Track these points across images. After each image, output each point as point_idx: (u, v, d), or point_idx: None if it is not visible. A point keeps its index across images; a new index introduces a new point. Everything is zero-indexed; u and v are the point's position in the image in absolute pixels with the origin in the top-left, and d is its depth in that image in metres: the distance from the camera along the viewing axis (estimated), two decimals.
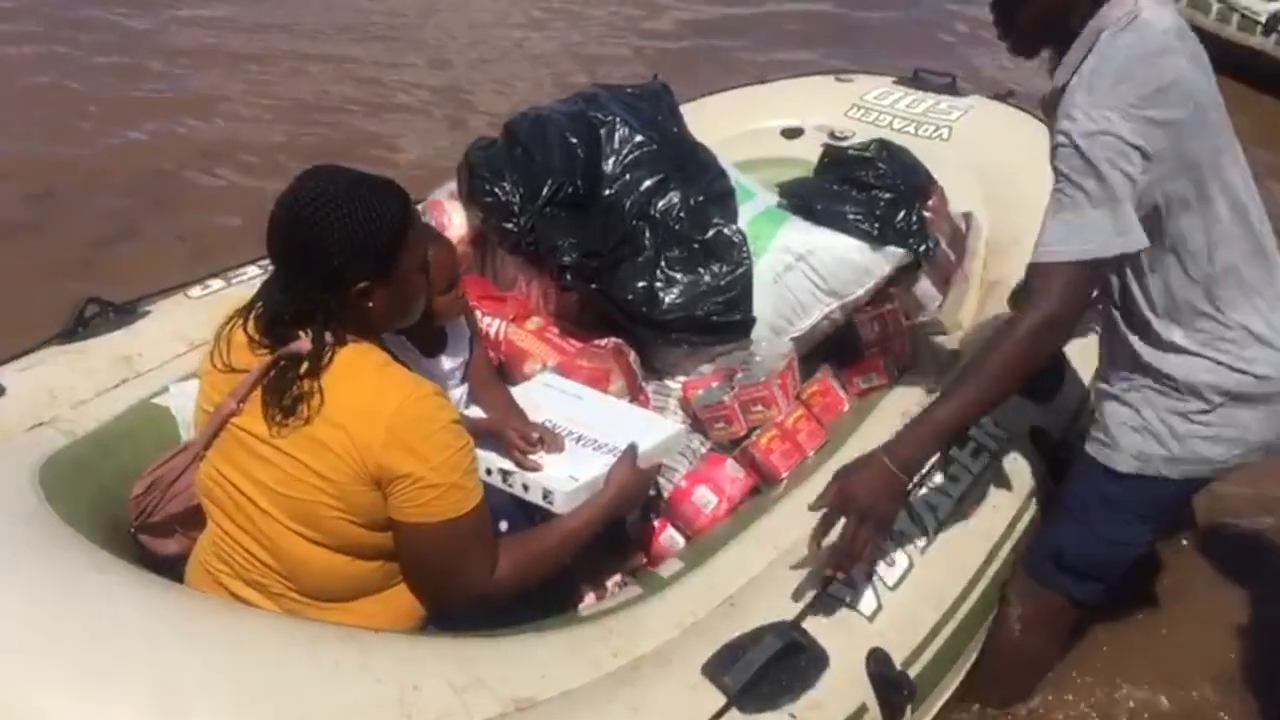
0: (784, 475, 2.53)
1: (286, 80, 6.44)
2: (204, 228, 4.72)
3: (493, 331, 2.75)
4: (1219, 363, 2.12)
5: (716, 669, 1.89)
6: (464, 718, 1.72)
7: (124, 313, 2.63)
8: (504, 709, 1.76)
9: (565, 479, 2.16)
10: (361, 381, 1.85)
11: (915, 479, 2.08)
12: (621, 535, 2.44)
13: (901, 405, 2.61)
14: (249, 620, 1.81)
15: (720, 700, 1.84)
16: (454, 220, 2.93)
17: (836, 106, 3.80)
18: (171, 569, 2.04)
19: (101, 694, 1.58)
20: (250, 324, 1.91)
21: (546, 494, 2.15)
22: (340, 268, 1.82)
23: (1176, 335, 2.12)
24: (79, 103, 5.94)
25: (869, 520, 1.99)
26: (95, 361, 2.47)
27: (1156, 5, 2.02)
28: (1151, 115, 1.92)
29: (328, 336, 1.85)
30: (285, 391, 1.83)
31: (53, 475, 2.07)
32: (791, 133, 3.68)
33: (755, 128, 3.71)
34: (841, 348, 2.88)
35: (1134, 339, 2.17)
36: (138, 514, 2.11)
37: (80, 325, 2.56)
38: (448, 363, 2.35)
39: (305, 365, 1.83)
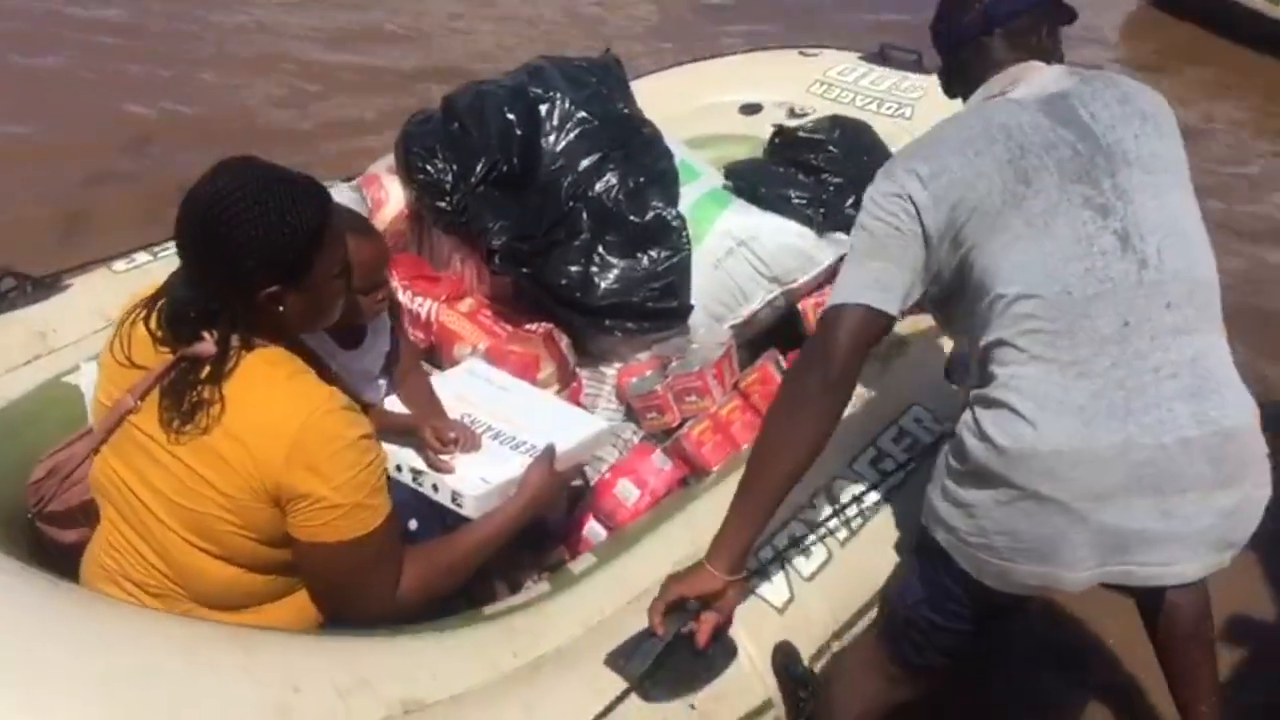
0: (715, 468, 2.49)
1: None
2: None
3: (424, 313, 2.69)
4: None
5: (618, 657, 1.86)
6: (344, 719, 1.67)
7: (42, 286, 2.56)
8: (389, 712, 1.71)
9: (476, 481, 2.11)
10: (266, 392, 1.77)
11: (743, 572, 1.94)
12: (542, 530, 2.39)
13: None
14: (124, 618, 1.74)
15: (620, 688, 1.80)
16: (391, 195, 2.87)
17: (799, 82, 3.72)
18: (72, 558, 2.00)
19: None
20: (153, 319, 1.83)
21: (456, 497, 2.10)
22: (250, 270, 1.74)
23: None
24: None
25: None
26: (6, 337, 2.42)
27: (1037, 82, 1.95)
28: (916, 169, 1.88)
29: (233, 340, 1.78)
30: (184, 396, 1.76)
31: None
32: (750, 109, 3.60)
33: (714, 102, 3.64)
34: (786, 336, 2.83)
35: None
36: (36, 501, 2.06)
37: None
38: (370, 354, 2.29)
39: (207, 370, 1.76)
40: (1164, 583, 1.88)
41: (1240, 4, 7.44)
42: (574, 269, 2.64)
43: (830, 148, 2.87)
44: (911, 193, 1.86)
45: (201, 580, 1.83)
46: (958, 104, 2.13)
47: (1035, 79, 1.95)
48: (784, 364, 2.72)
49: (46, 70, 5.80)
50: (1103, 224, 1.81)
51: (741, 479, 1.93)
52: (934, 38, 2.14)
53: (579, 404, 2.64)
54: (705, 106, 3.61)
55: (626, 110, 2.91)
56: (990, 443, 1.80)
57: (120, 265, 2.68)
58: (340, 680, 1.71)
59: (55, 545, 2.07)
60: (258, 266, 1.74)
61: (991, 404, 1.82)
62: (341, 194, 2.86)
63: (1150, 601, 2.22)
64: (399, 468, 2.13)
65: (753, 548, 1.95)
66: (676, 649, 1.87)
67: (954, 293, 1.92)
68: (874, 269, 1.88)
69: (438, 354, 2.68)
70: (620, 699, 1.79)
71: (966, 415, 1.88)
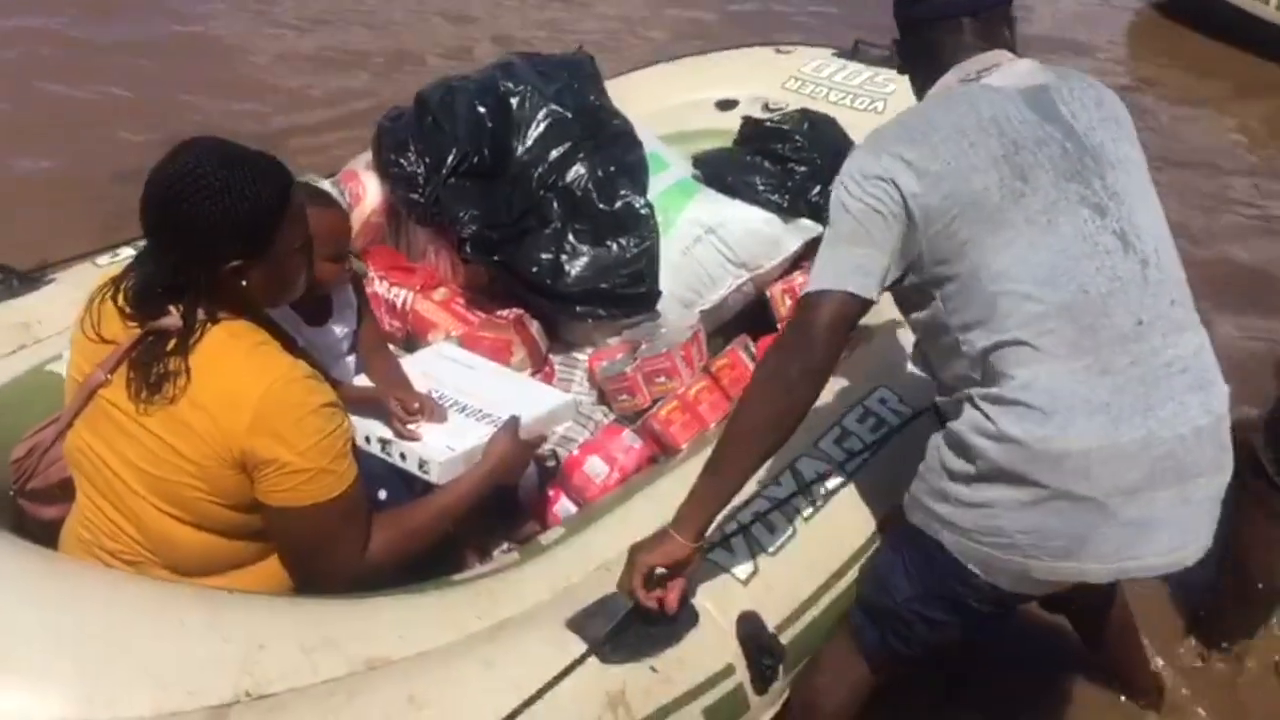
0: (683, 446, 2.54)
1: None
2: None
3: (399, 302, 2.76)
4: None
5: (579, 620, 1.90)
6: (309, 676, 1.72)
7: (28, 280, 2.63)
8: (353, 668, 1.77)
9: (442, 449, 2.17)
10: (230, 363, 1.83)
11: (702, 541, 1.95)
12: (513, 504, 2.45)
13: None
14: (94, 578, 1.82)
15: (580, 650, 1.84)
16: (369, 190, 2.94)
17: (774, 79, 3.79)
18: (52, 533, 2.05)
19: None
20: (121, 295, 1.89)
21: (423, 464, 2.16)
22: (212, 245, 1.80)
23: None
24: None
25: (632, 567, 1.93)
26: None
27: (1012, 72, 1.93)
28: (903, 154, 1.84)
29: (199, 313, 1.83)
30: (151, 368, 1.81)
31: None
32: (726, 104, 3.67)
33: (690, 99, 3.71)
34: (755, 322, 2.88)
35: None
36: (17, 478, 2.11)
37: None
38: (335, 331, 2.35)
39: (173, 342, 1.82)
40: (1176, 569, 1.88)
41: (1244, 10, 7.39)
42: (545, 256, 2.71)
43: (797, 138, 2.94)
44: (896, 177, 1.82)
45: (174, 547, 1.88)
46: None
47: (1010, 69, 1.93)
48: (754, 350, 2.78)
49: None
50: (1101, 223, 1.82)
51: (713, 455, 1.95)
52: (904, 10, 2.06)
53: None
54: (682, 103, 3.68)
55: (598, 103, 2.99)
56: (1014, 443, 1.78)
57: (103, 260, 2.74)
58: (306, 639, 1.77)
59: (36, 521, 2.12)
60: (220, 241, 1.80)
61: (1007, 403, 1.79)
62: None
63: (1099, 599, 2.34)
64: (367, 439, 2.19)
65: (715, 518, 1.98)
66: (639, 614, 1.91)
67: (937, 284, 1.87)
68: (856, 254, 1.84)
69: (414, 341, 2.74)
70: (580, 660, 1.83)
71: (972, 415, 1.84)
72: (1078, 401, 1.77)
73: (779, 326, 2.81)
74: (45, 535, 2.04)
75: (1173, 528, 1.83)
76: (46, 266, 2.69)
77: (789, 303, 2.81)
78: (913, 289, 1.91)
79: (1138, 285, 1.82)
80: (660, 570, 1.91)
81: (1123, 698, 2.58)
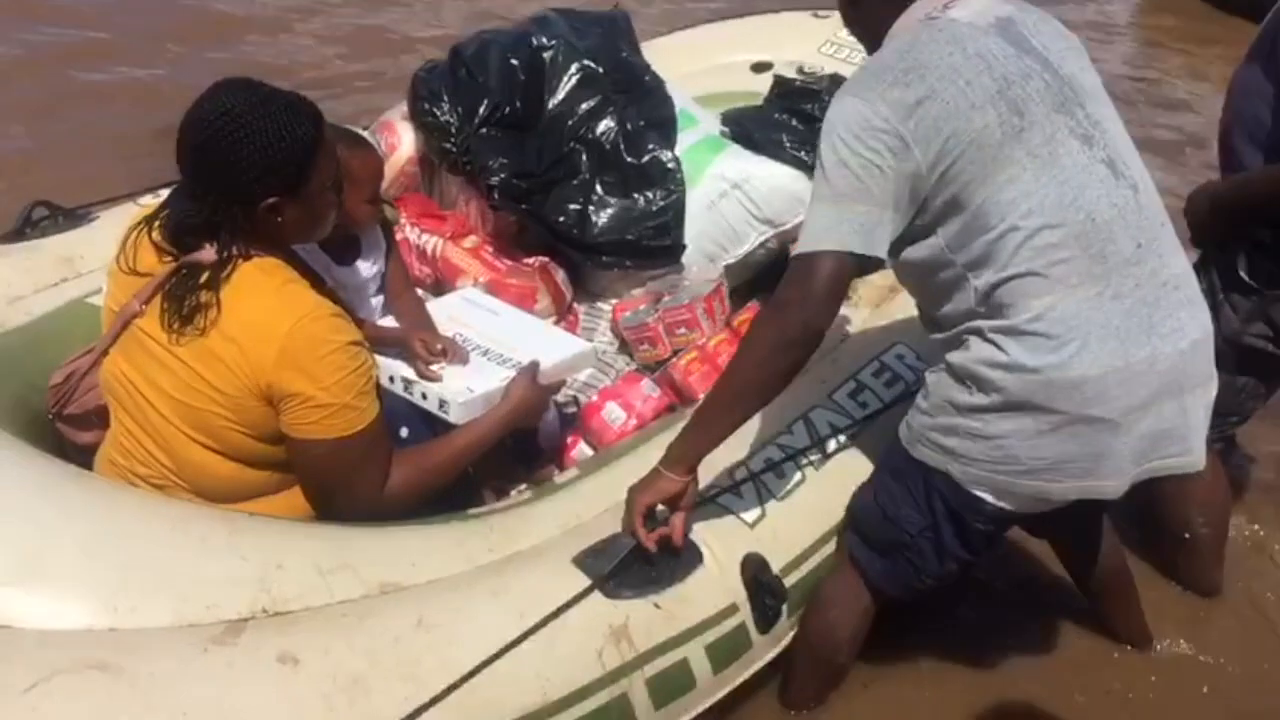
0: (701, 396, 2.57)
1: None
2: None
3: (429, 248, 2.82)
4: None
5: (585, 556, 1.96)
6: (325, 597, 1.80)
7: (72, 217, 2.72)
8: (367, 591, 1.84)
9: (462, 390, 2.23)
10: (260, 298, 1.88)
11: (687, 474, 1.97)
12: (532, 447, 2.51)
13: (831, 339, 2.65)
14: (124, 497, 1.90)
15: (584, 585, 1.91)
16: (404, 140, 3.00)
17: (810, 43, 3.79)
18: (88, 458, 2.14)
19: None
20: (156, 230, 1.96)
21: (442, 404, 2.22)
22: (249, 183, 1.85)
23: None
24: None
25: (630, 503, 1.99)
26: (38, 261, 2.57)
27: (973, 6, 1.91)
28: (901, 99, 1.80)
29: (232, 249, 1.89)
30: (184, 300, 1.87)
31: None
32: (761, 67, 3.68)
33: (726, 61, 3.73)
34: (779, 278, 2.90)
35: None
36: (55, 402, 2.19)
37: (28, 227, 2.66)
38: (363, 272, 2.42)
39: (206, 276, 1.88)
40: (1186, 470, 1.97)
41: None
42: (572, 207, 2.76)
43: (826, 97, 2.96)
44: (896, 125, 1.79)
45: (201, 473, 1.96)
46: None
47: (970, 2, 1.91)
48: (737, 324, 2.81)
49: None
50: (1091, 153, 1.85)
51: (705, 403, 2.00)
52: None
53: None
54: (717, 65, 3.70)
55: (630, 59, 3.03)
56: (1031, 373, 1.81)
57: (146, 199, 2.82)
58: (323, 561, 1.85)
59: (74, 446, 2.20)
60: (257, 180, 1.86)
61: (1021, 334, 1.82)
62: None
63: (1086, 540, 2.41)
64: (391, 378, 2.26)
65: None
66: (641, 552, 1.97)
67: (938, 223, 1.86)
68: (858, 212, 1.80)
69: (443, 287, 2.80)
70: (584, 594, 1.90)
71: (981, 348, 1.86)
72: (1092, 328, 1.82)
73: None
74: (83, 460, 2.12)
75: (1176, 435, 1.91)
76: (91, 205, 2.78)
77: None
78: (910, 229, 1.90)
79: (1133, 210, 1.87)
80: (661, 509, 1.97)
81: (1115, 646, 2.60)
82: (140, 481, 2.00)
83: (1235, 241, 2.44)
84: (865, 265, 1.87)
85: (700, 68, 3.63)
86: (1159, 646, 2.59)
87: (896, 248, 1.92)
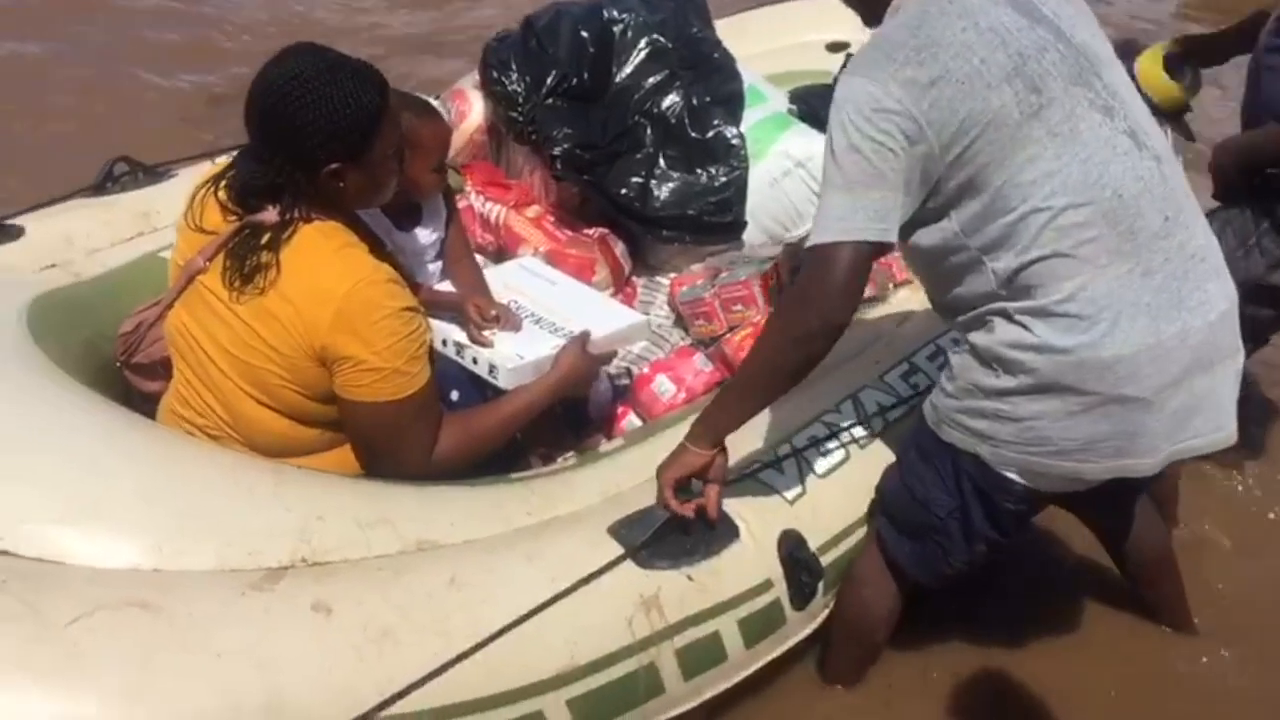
0: None
1: None
2: None
3: (493, 216, 2.87)
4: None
5: (620, 525, 1.99)
6: (363, 550, 1.85)
7: (152, 174, 2.81)
8: (404, 547, 1.89)
9: (512, 356, 2.27)
10: (318, 261, 1.93)
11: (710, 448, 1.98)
12: (583, 416, 2.55)
13: (888, 320, 2.65)
14: (177, 445, 1.98)
15: (617, 553, 1.94)
16: (474, 108, 3.04)
17: None
18: (154, 406, 2.22)
19: (24, 495, 1.78)
20: (222, 189, 2.01)
21: (492, 369, 2.27)
22: (314, 148, 1.89)
23: None
24: None
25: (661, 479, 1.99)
26: (116, 214, 2.66)
27: None
28: (914, 78, 1.74)
29: (294, 212, 1.94)
30: (246, 260, 1.93)
31: (45, 311, 2.26)
32: (836, 46, 3.65)
33: (801, 40, 3.71)
34: None
35: None
36: (123, 351, 2.27)
37: (109, 181, 2.75)
38: (423, 237, 2.46)
39: (267, 237, 1.93)
40: (1220, 447, 1.94)
41: None
42: (635, 180, 2.79)
43: None
44: (909, 106, 1.73)
45: (255, 428, 2.02)
46: None
47: None
48: None
49: None
50: (1113, 125, 1.81)
51: (727, 388, 2.02)
52: None
53: (634, 309, 2.77)
54: (793, 44, 3.68)
55: (700, 34, 3.03)
56: (1062, 354, 1.78)
57: (223, 159, 2.88)
58: (364, 515, 1.91)
59: (140, 394, 2.28)
60: (321, 145, 1.89)
61: (1051, 315, 1.79)
62: None
63: (1121, 519, 2.38)
64: (444, 342, 2.31)
65: None
66: (674, 523, 1.99)
67: (952, 206, 1.83)
68: (872, 199, 1.76)
69: (504, 255, 2.85)
70: (616, 561, 1.93)
71: (1008, 330, 1.83)
72: (1124, 306, 1.79)
73: None
74: (148, 408, 2.20)
75: (1208, 410, 1.88)
76: (170, 162, 2.86)
77: None
78: (921, 212, 1.85)
79: (1158, 182, 1.83)
80: (696, 482, 1.99)
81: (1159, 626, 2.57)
82: (198, 432, 2.06)
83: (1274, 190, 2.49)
84: (884, 251, 1.84)
85: (776, 46, 3.62)
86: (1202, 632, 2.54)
87: (905, 231, 1.87)
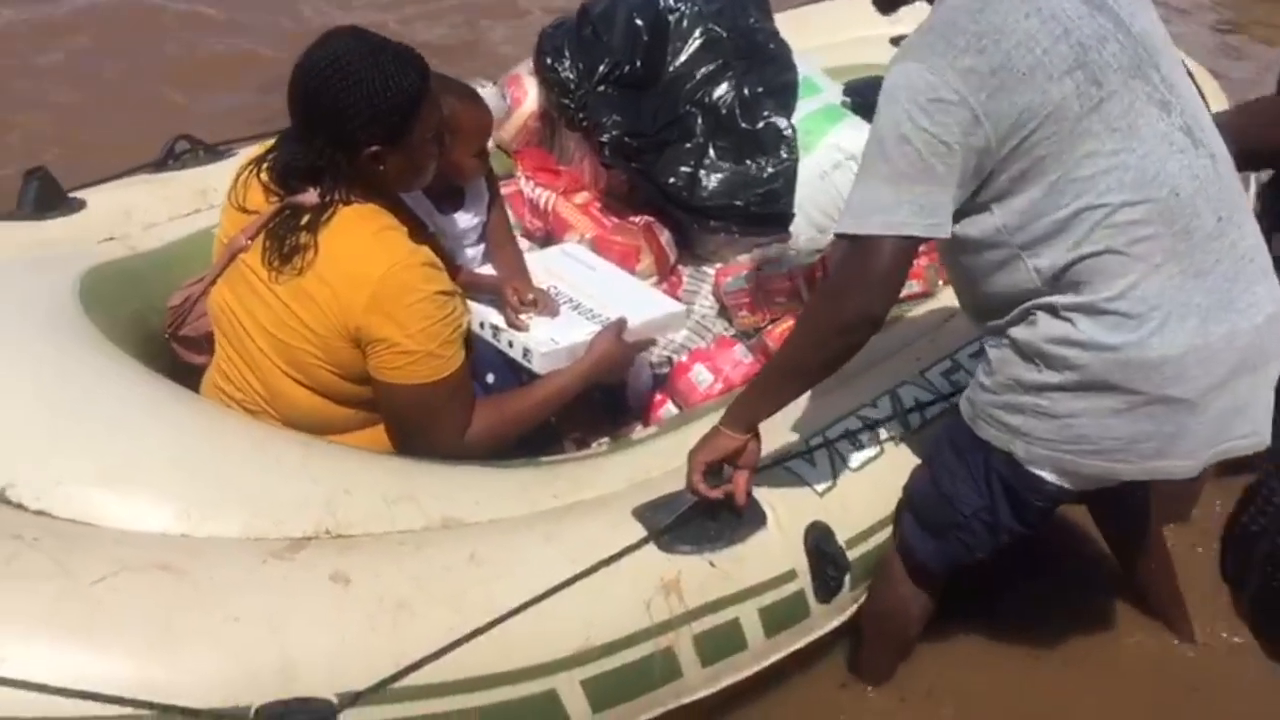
0: None
1: None
2: None
3: (542, 202, 2.89)
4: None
5: (645, 509, 2.00)
6: (386, 524, 1.89)
7: (213, 152, 2.87)
8: (428, 524, 1.92)
9: (546, 340, 2.29)
10: (356, 243, 1.96)
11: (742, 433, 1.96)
12: (620, 404, 2.56)
13: (934, 316, 2.63)
14: (212, 415, 2.04)
15: (639, 536, 1.95)
16: (529, 94, 3.07)
17: None
18: (199, 379, 2.27)
19: (62, 458, 1.84)
20: (264, 170, 2.06)
21: (526, 353, 2.29)
22: (354, 131, 1.93)
23: None
24: None
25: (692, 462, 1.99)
26: (175, 191, 2.72)
27: None
28: (973, 68, 1.69)
29: (334, 194, 1.97)
30: (285, 240, 1.97)
31: (98, 282, 2.33)
32: (900, 41, 3.62)
33: (864, 34, 3.66)
34: None
35: None
36: (171, 322, 2.33)
37: (170, 158, 2.82)
38: (464, 221, 2.48)
39: (307, 218, 1.97)
40: (1254, 450, 1.90)
41: None
42: (683, 169, 2.78)
43: None
44: (967, 97, 1.68)
45: (291, 405, 2.07)
46: None
47: None
48: None
49: None
50: (1169, 120, 1.77)
51: (762, 376, 2.01)
52: None
53: (678, 299, 2.78)
54: (856, 38, 3.64)
55: (757, 25, 3.02)
56: (1110, 352, 1.76)
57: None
58: (390, 491, 1.94)
59: (186, 366, 2.34)
60: (361, 128, 1.93)
61: (1100, 313, 1.76)
62: (483, 92, 3.08)
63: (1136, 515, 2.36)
64: (481, 325, 2.33)
65: None
66: (700, 508, 2.00)
67: (998, 200, 1.78)
68: (917, 193, 1.71)
69: (552, 240, 2.87)
70: (638, 544, 1.94)
71: (1052, 325, 1.80)
72: (1174, 306, 1.76)
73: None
74: (194, 380, 2.26)
75: (1248, 412, 1.85)
76: (231, 141, 2.92)
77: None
78: (964, 204, 1.79)
79: (1213, 180, 1.80)
80: (727, 468, 1.99)
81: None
82: (236, 406, 2.11)
83: None
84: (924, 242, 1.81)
85: (839, 39, 3.58)
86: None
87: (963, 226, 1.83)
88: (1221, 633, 2.52)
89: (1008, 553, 2.12)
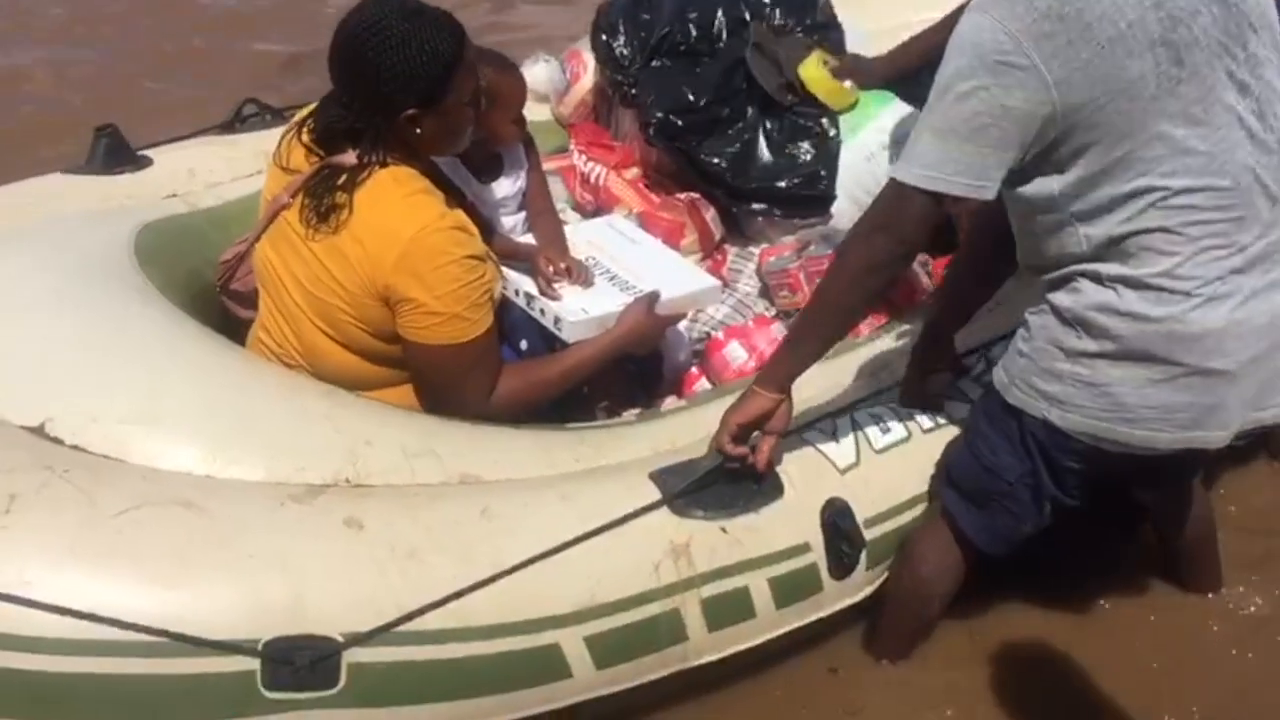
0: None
1: None
2: None
3: (594, 176, 2.93)
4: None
5: (662, 473, 2.03)
6: (406, 476, 1.95)
7: (278, 116, 2.96)
8: (446, 479, 1.98)
9: (577, 310, 2.33)
10: (389, 204, 2.02)
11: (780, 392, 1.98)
12: (656, 375, 2.59)
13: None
14: (245, 364, 2.12)
15: (653, 498, 1.98)
16: (588, 69, 3.12)
17: None
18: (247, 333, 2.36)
19: (99, 398, 1.93)
20: (306, 132, 2.12)
21: (557, 321, 2.33)
22: (390, 94, 1.98)
23: None
24: None
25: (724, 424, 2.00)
26: (240, 152, 2.82)
27: None
28: (1051, 33, 1.64)
29: (372, 155, 2.03)
30: (322, 199, 2.03)
31: (155, 236, 2.42)
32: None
33: (923, 18, 3.62)
34: (933, 239, 2.86)
35: None
36: (221, 276, 2.42)
37: (238, 121, 2.92)
38: (502, 189, 2.53)
39: (344, 178, 2.03)
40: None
41: None
42: (729, 150, 2.81)
43: None
44: (1039, 63, 1.63)
45: (324, 360, 2.13)
46: None
47: None
48: (931, 269, 2.79)
49: None
50: (1244, 103, 1.74)
51: (798, 323, 2.03)
52: None
53: (722, 277, 2.81)
54: (919, 20, 3.61)
55: (813, 3, 3.03)
56: (1153, 323, 1.76)
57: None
58: (411, 445, 2.00)
59: (236, 319, 2.43)
60: (399, 91, 1.98)
61: (1146, 286, 1.76)
62: (544, 67, 3.15)
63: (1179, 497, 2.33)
64: (516, 291, 2.38)
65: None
66: (721, 473, 2.02)
67: (1058, 169, 1.75)
68: (968, 151, 1.69)
69: (602, 214, 2.91)
70: (651, 506, 1.97)
71: (1098, 293, 1.80)
72: (1220, 286, 1.77)
73: (956, 244, 2.78)
74: (244, 334, 2.34)
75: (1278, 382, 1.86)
76: (296, 106, 3.00)
77: (968, 222, 2.77)
78: (1025, 165, 1.76)
79: (1274, 168, 1.79)
80: (755, 435, 2.00)
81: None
82: (276, 360, 2.19)
83: None
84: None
85: (897, 22, 3.55)
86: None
87: (1006, 179, 1.79)
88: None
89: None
